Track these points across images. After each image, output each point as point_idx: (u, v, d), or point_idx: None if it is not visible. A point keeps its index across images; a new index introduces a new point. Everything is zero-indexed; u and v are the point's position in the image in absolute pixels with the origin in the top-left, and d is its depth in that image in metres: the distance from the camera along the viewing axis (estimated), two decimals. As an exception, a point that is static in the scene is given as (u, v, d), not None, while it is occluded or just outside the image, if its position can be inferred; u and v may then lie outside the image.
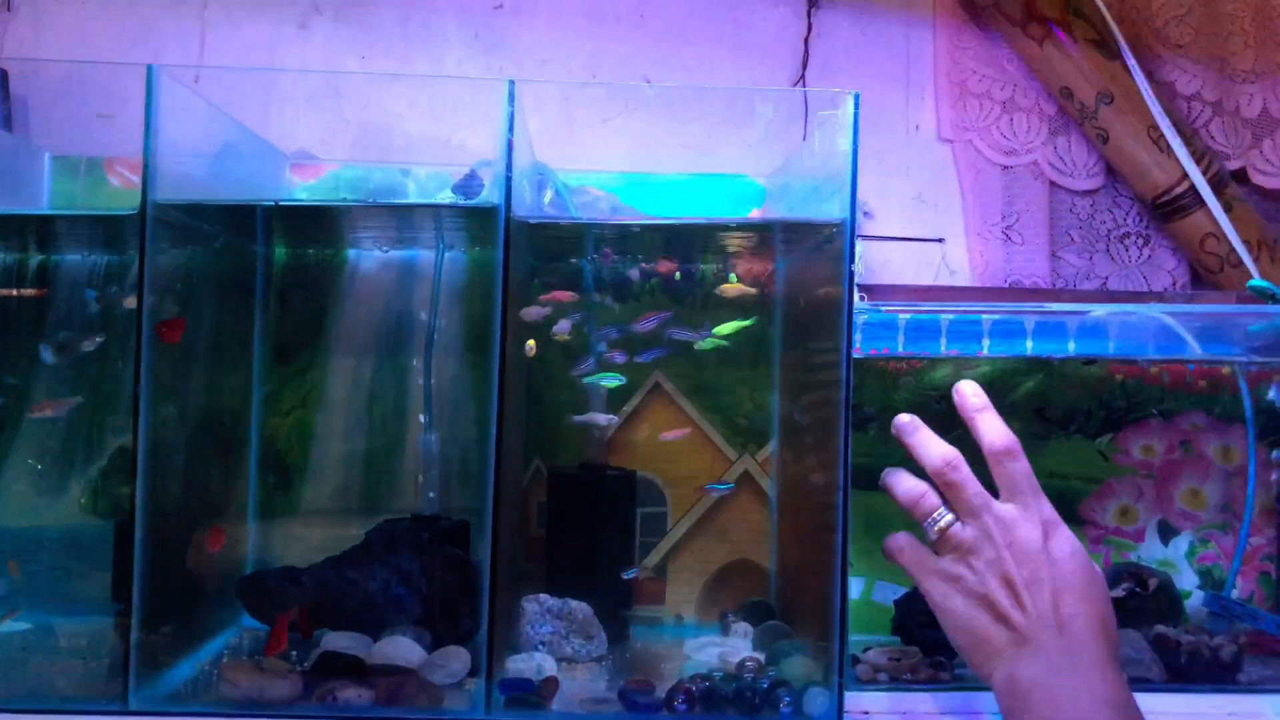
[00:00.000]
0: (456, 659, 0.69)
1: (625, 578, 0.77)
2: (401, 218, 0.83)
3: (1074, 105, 1.04)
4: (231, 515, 0.83)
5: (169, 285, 0.68)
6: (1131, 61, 1.02)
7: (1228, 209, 1.01)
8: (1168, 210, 1.04)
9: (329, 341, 0.85)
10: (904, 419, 0.66)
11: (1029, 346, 0.84)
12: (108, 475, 0.83)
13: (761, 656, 0.72)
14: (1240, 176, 1.05)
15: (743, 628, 0.79)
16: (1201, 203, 1.02)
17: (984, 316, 0.83)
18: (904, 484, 0.65)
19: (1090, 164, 1.07)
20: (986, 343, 0.83)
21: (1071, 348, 0.84)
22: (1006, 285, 1.06)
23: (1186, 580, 0.85)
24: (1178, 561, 0.86)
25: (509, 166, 0.65)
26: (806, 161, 0.85)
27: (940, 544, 0.64)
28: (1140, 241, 1.09)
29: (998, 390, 0.87)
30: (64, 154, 0.95)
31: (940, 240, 1.07)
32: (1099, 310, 0.84)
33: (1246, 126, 1.05)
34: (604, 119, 1.03)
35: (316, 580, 0.77)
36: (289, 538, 0.85)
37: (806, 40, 1.07)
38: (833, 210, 0.68)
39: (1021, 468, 0.63)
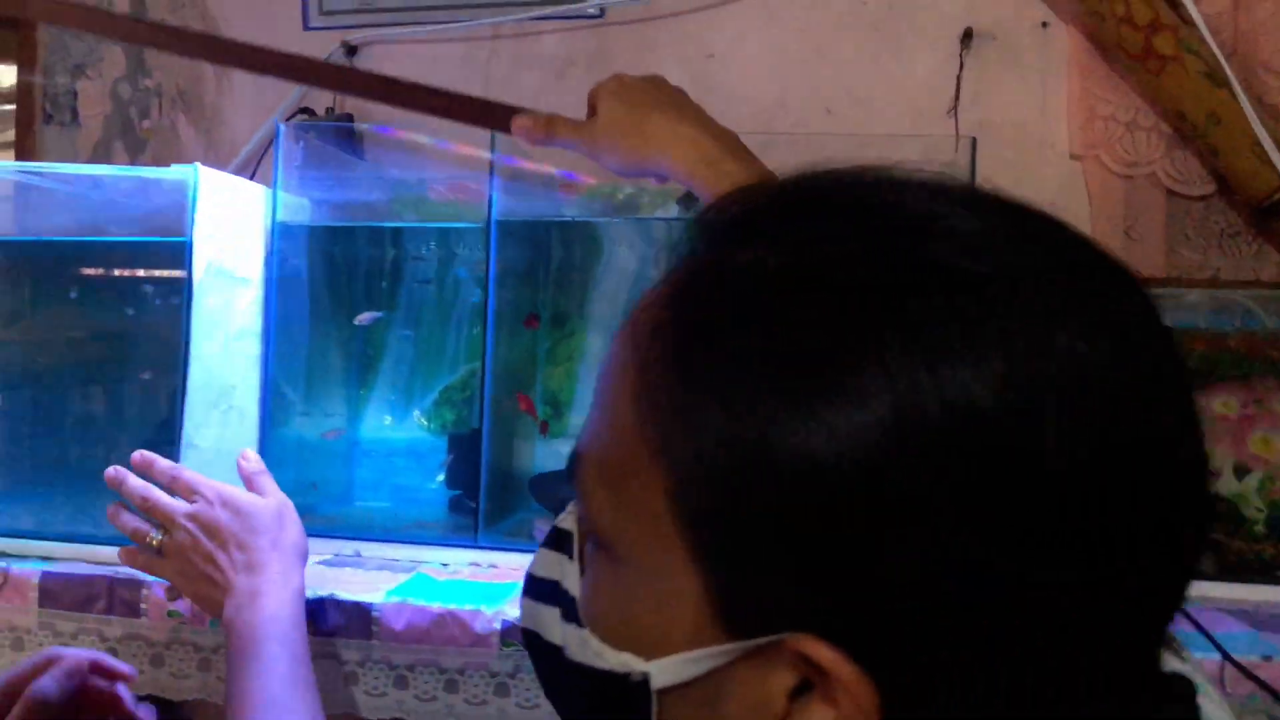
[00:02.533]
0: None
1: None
2: (643, 225, 1.15)
3: (1187, 125, 1.25)
4: (523, 435, 1.16)
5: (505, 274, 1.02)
6: (1238, 89, 1.22)
7: (1322, 212, 1.21)
8: (1270, 212, 1.23)
9: (588, 312, 1.18)
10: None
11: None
12: (438, 404, 1.19)
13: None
14: (1336, 183, 1.24)
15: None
16: (1299, 205, 1.21)
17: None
18: (126, 524, 0.82)
19: (1203, 174, 1.28)
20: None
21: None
22: (1127, 275, 1.28)
23: (1253, 510, 1.07)
24: (1251, 495, 1.08)
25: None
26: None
27: (164, 552, 0.81)
28: (1250, 239, 1.29)
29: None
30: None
31: (1069, 238, 1.30)
32: (1194, 295, 1.07)
33: (1343, 141, 1.24)
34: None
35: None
36: (560, 452, 1.18)
37: (959, 76, 1.32)
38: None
39: (186, 483, 0.82)
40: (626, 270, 1.18)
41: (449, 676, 0.80)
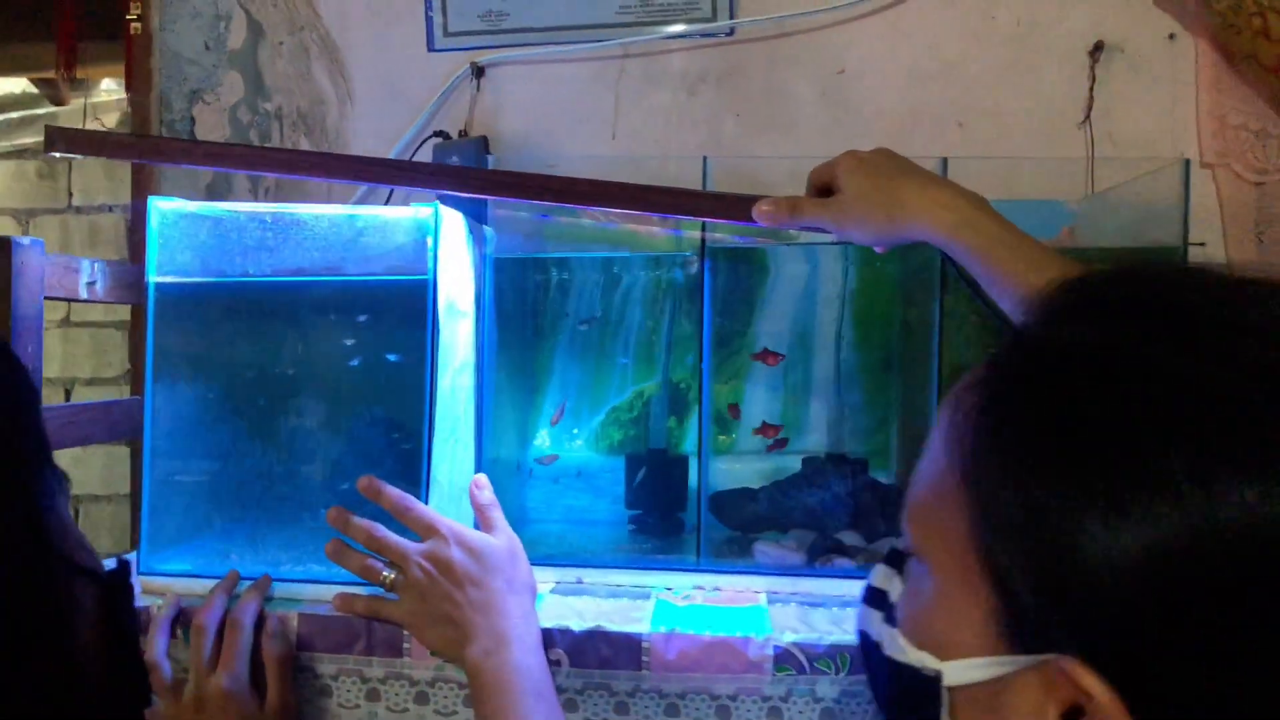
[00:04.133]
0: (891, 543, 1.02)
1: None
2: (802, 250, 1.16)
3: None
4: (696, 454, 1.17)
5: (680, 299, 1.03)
6: (1370, 98, 1.26)
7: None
8: (1400, 217, 1.27)
9: (754, 331, 1.19)
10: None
11: None
12: (605, 425, 1.19)
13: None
14: None
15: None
16: None
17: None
18: (353, 561, 0.82)
19: (1331, 180, 1.32)
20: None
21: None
22: (1259, 280, 1.32)
23: None
24: None
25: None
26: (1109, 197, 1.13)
27: (395, 590, 0.81)
28: (1375, 242, 1.33)
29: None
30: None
31: (1202, 244, 1.33)
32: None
33: None
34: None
35: (769, 497, 1.10)
36: (726, 470, 1.19)
37: (1090, 89, 1.35)
38: (1168, 237, 0.96)
39: (419, 517, 0.82)
40: (787, 293, 1.19)
41: (720, 703, 0.81)
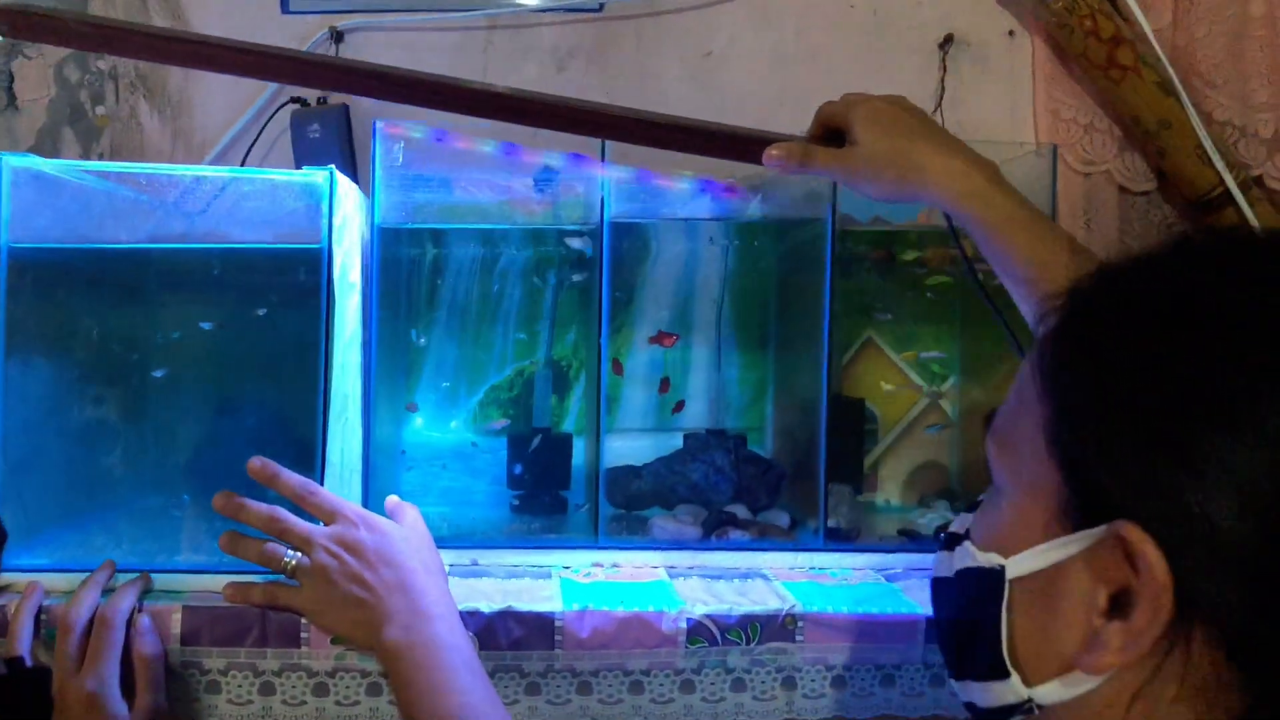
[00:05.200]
0: (780, 516, 1.04)
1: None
2: (688, 221, 1.17)
3: (1139, 129, 1.40)
4: (580, 432, 1.16)
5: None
6: (1184, 99, 1.38)
7: (1251, 206, 1.38)
8: (1206, 207, 1.40)
9: (638, 308, 1.19)
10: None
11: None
12: (484, 404, 1.17)
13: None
14: (1258, 182, 1.42)
15: (941, 504, 1.14)
16: (1232, 201, 1.39)
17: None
18: (250, 549, 0.77)
19: (1147, 172, 1.44)
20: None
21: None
22: (1087, 263, 1.42)
23: None
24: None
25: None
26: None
27: (298, 576, 0.77)
28: (1184, 230, 1.46)
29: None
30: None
31: (1039, 230, 1.43)
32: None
33: (1263, 144, 1.42)
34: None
35: (653, 473, 1.11)
36: (610, 447, 1.19)
37: (942, 79, 1.42)
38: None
39: (322, 502, 0.79)
40: (669, 270, 1.20)
41: (634, 679, 0.81)
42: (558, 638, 0.80)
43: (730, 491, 1.10)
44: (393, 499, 0.85)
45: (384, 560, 0.77)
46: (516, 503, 1.11)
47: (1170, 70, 1.38)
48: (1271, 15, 1.40)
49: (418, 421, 1.17)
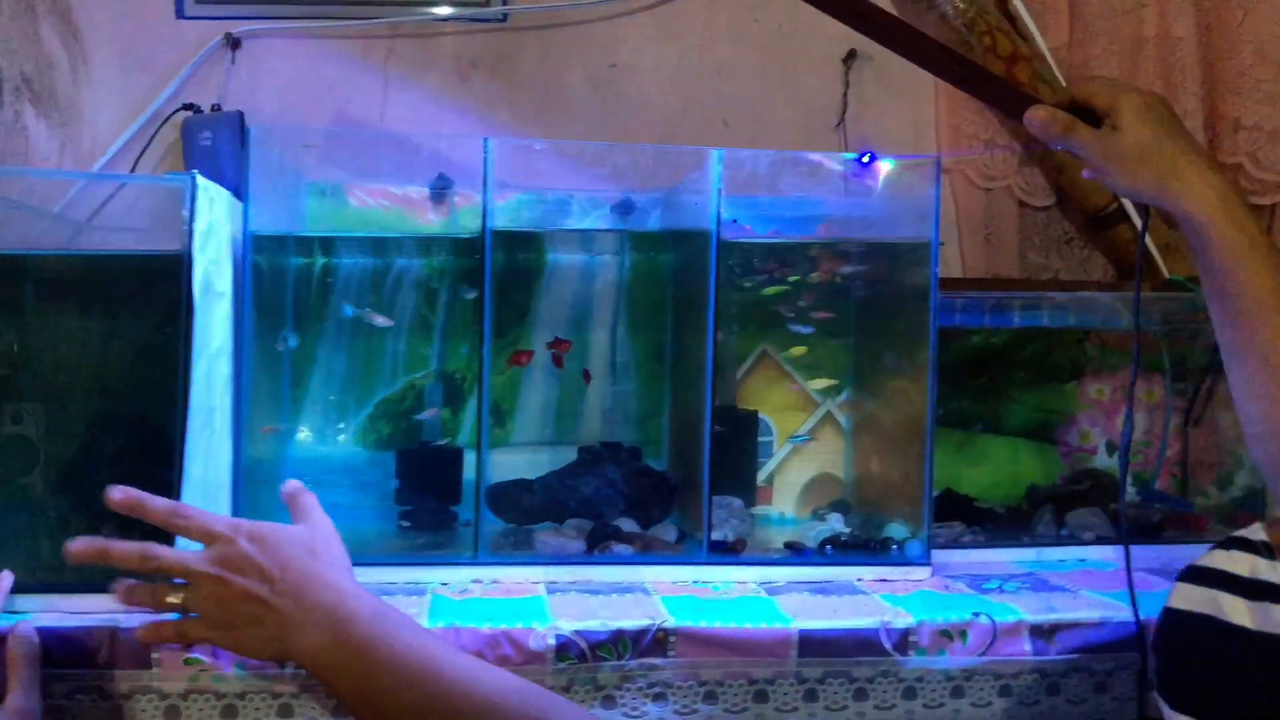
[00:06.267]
0: (668, 530, 1.03)
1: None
2: (584, 233, 1.16)
3: (1038, 145, 1.42)
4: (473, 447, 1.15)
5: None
6: (1079, 115, 1.40)
7: (1145, 222, 1.41)
8: (1102, 222, 1.43)
9: (532, 320, 1.18)
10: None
11: (1016, 319, 1.22)
12: (374, 419, 1.15)
13: (862, 530, 1.08)
14: (1153, 198, 1.45)
15: (835, 516, 1.15)
16: (1126, 217, 1.41)
17: (985, 299, 1.21)
18: (135, 595, 0.71)
19: (1047, 188, 1.46)
20: (987, 318, 1.21)
21: (1045, 321, 1.23)
22: (988, 277, 1.44)
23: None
24: (1118, 468, 1.26)
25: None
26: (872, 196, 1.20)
27: (191, 609, 0.71)
28: (1081, 245, 1.49)
29: (1003, 350, 1.25)
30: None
31: (941, 243, 1.44)
32: (1062, 296, 1.23)
33: (1157, 162, 1.45)
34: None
35: (545, 487, 1.10)
36: (504, 462, 1.17)
37: (844, 94, 1.43)
38: (924, 232, 1.03)
39: (194, 524, 0.72)
40: (567, 279, 1.19)
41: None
42: (424, 655, 0.78)
43: (622, 505, 1.09)
44: (290, 485, 0.78)
45: (275, 567, 0.71)
46: (404, 519, 1.09)
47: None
48: (1165, 34, 1.43)
49: (304, 434, 1.15)
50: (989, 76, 0.88)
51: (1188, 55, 1.43)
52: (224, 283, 0.89)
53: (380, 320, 1.09)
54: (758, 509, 1.19)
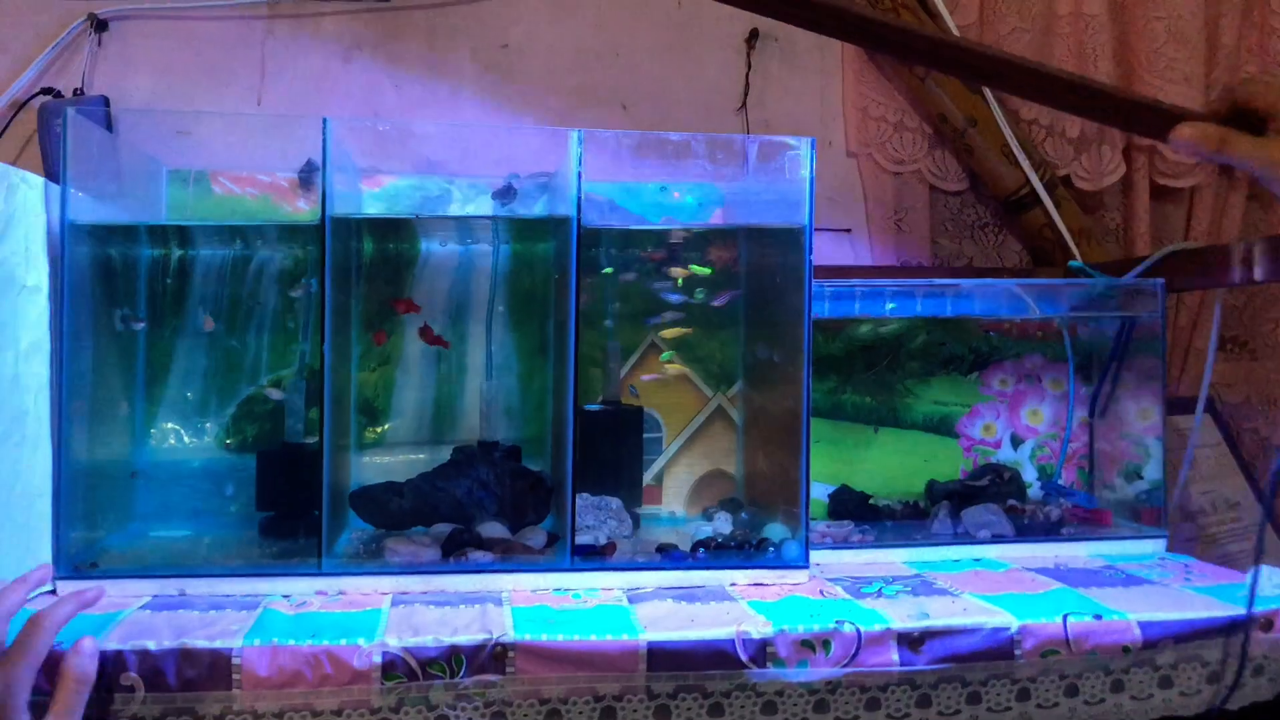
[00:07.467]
0: (536, 534, 0.98)
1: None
2: (460, 221, 1.11)
3: (948, 128, 1.37)
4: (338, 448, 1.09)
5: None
6: (989, 96, 1.36)
7: (1058, 206, 1.37)
8: (1015, 207, 1.38)
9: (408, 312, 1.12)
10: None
11: (919, 308, 1.17)
12: (237, 420, 1.09)
13: (744, 530, 1.03)
14: (1066, 181, 1.41)
15: (723, 515, 1.10)
16: (1039, 201, 1.37)
17: (886, 287, 1.16)
18: None
19: (959, 171, 1.41)
20: (890, 305, 1.16)
21: (949, 310, 1.18)
22: (899, 264, 1.40)
23: (1029, 474, 1.21)
24: (1023, 461, 1.21)
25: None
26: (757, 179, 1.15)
27: None
28: (995, 230, 1.44)
29: (899, 341, 1.20)
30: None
31: (848, 230, 1.40)
32: (968, 283, 1.18)
33: (1070, 144, 1.41)
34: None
35: (414, 490, 1.04)
36: (376, 463, 1.11)
37: (747, 76, 1.37)
38: (798, 218, 0.97)
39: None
40: (443, 269, 1.13)
41: None
42: (236, 677, 0.73)
43: (495, 507, 1.03)
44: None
45: None
46: (264, 527, 1.03)
47: (975, 68, 1.36)
48: (1078, 11, 1.39)
49: (171, 439, 1.09)
50: (1121, 98, 0.79)
51: (1101, 33, 1.38)
52: (36, 276, 0.83)
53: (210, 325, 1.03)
54: (645, 509, 1.14)
